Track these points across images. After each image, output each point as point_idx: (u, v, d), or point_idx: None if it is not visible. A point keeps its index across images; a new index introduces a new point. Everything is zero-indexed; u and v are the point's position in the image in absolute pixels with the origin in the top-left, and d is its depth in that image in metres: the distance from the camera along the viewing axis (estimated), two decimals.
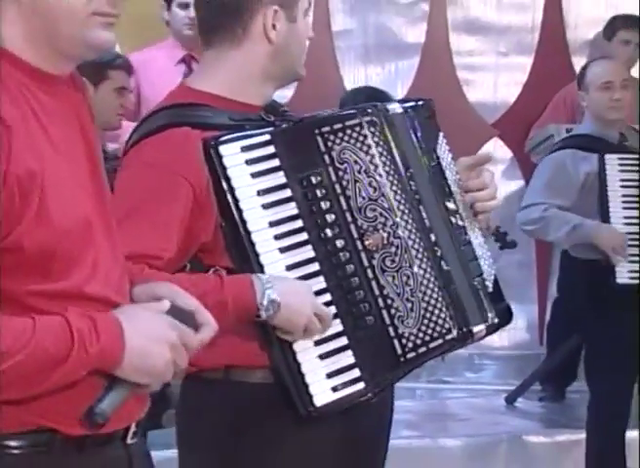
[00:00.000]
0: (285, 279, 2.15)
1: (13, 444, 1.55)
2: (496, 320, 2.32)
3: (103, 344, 1.54)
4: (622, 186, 4.20)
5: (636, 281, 4.11)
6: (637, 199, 4.22)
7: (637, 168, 4.22)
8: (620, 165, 4.19)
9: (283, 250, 2.14)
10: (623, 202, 4.21)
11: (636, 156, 4.22)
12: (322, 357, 2.15)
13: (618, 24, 5.52)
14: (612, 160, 4.17)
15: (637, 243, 4.14)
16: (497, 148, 6.00)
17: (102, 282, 1.64)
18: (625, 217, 4.18)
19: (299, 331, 2.10)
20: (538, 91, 5.93)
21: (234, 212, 2.12)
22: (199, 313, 1.69)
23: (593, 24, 5.94)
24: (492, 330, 2.34)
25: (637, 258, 4.15)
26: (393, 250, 2.20)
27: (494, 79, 6.14)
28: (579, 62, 5.71)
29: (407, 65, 5.96)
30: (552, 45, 6.06)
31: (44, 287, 1.56)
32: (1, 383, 1.49)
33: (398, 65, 6.00)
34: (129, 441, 1.69)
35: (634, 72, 5.57)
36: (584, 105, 4.37)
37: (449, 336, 2.21)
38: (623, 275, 4.11)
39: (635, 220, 4.19)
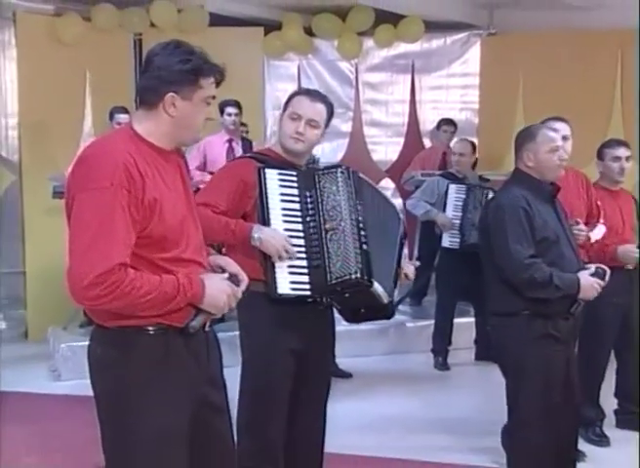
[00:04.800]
0: (272, 229, 2.69)
1: (150, 328, 2.13)
2: (390, 298, 2.77)
3: (194, 291, 2.04)
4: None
5: (453, 246, 5.51)
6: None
7: (464, 193, 5.45)
8: (458, 190, 5.46)
9: (285, 221, 2.74)
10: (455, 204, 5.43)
11: (463, 185, 5.54)
12: (291, 273, 2.78)
13: (442, 123, 7.41)
14: (453, 188, 5.50)
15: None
16: (387, 183, 7.89)
17: (192, 251, 2.15)
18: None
19: (274, 254, 2.69)
20: (406, 155, 7.74)
21: (264, 198, 2.76)
22: (239, 274, 2.18)
23: (432, 123, 7.80)
24: (390, 309, 2.81)
25: (455, 234, 5.55)
26: (338, 231, 2.75)
27: (385, 149, 8.01)
28: (426, 142, 7.89)
29: (342, 143, 7.83)
30: (413, 133, 7.93)
31: (162, 255, 2.08)
32: (146, 307, 2.03)
33: (339, 143, 7.82)
34: (206, 329, 2.22)
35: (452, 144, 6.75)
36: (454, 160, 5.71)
37: (355, 275, 2.74)
38: (446, 243, 5.60)
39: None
